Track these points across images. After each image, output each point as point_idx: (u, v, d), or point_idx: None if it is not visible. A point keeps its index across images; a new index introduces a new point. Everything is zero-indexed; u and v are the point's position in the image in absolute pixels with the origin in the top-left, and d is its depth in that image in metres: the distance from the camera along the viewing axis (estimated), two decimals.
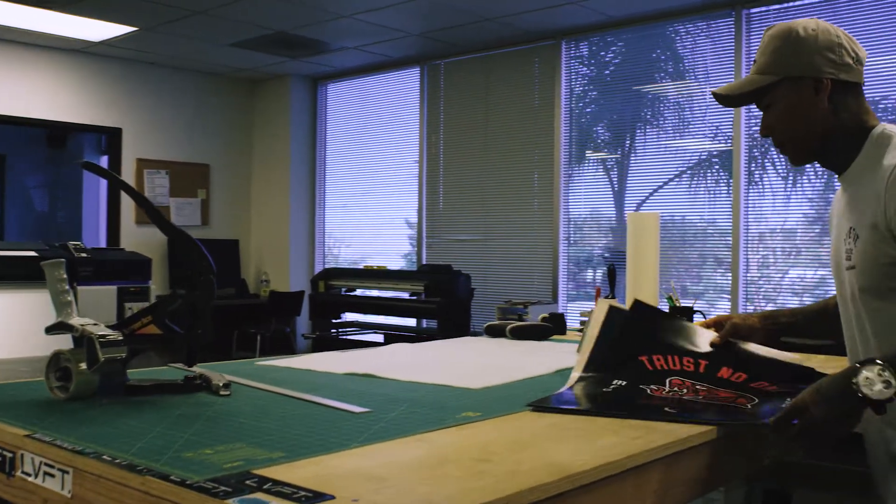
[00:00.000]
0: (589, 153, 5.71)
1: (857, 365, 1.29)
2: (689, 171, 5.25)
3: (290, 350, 7.06)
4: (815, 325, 1.87)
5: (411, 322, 6.35)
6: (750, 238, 4.93)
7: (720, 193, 5.09)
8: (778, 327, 1.85)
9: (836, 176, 1.61)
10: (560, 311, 5.60)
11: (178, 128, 7.16)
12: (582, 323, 3.19)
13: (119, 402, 1.42)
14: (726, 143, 5.05)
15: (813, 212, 4.79)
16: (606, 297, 3.13)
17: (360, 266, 6.85)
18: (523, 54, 5.94)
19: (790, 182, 4.81)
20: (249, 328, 6.76)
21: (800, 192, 4.81)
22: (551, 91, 5.76)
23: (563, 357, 2.16)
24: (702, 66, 5.14)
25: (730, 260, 4.97)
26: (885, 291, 1.45)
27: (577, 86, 5.74)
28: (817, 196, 4.77)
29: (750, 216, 4.92)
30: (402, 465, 1.05)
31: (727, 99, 1.62)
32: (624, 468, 1.09)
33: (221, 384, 1.52)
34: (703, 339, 1.79)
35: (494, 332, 2.70)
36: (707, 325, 1.88)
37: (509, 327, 2.62)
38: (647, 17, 5.27)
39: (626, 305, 2.99)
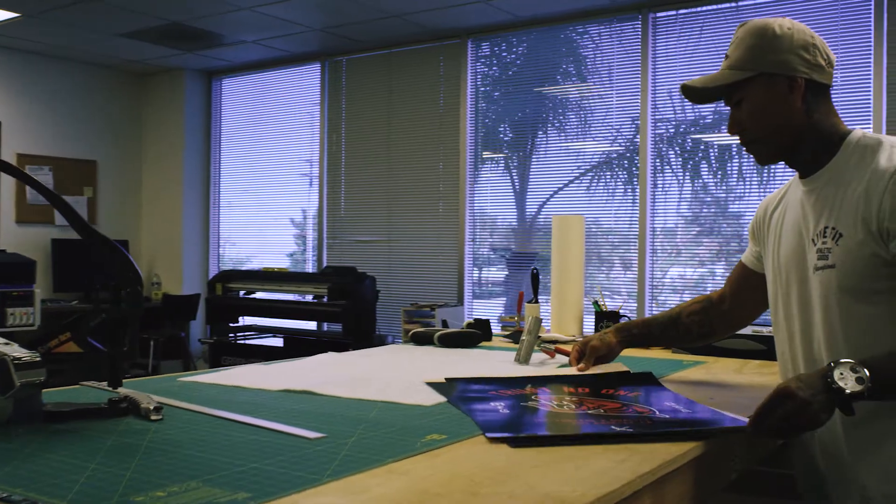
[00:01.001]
0: (492, 154, 5.68)
1: (832, 363, 1.30)
2: (591, 172, 5.28)
3: (186, 356, 6.77)
4: (666, 335, 1.96)
5: (313, 325, 6.19)
6: (656, 238, 4.99)
7: (622, 194, 5.14)
8: (632, 338, 1.96)
9: (800, 177, 1.60)
10: (466, 313, 5.55)
11: (62, 121, 6.75)
12: (505, 328, 3.13)
13: (37, 431, 1.25)
14: (628, 144, 5.10)
15: (711, 212, 4.89)
16: (530, 302, 3.09)
17: (257, 267, 6.63)
18: (428, 52, 5.85)
19: (691, 182, 4.89)
20: (142, 334, 6.44)
21: (700, 192, 4.89)
22: (457, 90, 5.70)
23: (501, 367, 2.08)
24: (607, 69, 5.18)
25: (636, 260, 5.02)
26: (868, 293, 1.43)
27: (483, 85, 5.70)
28: (712, 198, 4.87)
29: (655, 216, 4.98)
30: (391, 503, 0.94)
31: (698, 93, 1.60)
32: (623, 496, 1.01)
33: (151, 407, 1.37)
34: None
35: (421, 339, 2.61)
36: (575, 349, 1.97)
37: (438, 335, 2.53)
38: (554, 19, 5.27)
39: (552, 310, 2.95)
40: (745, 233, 4.77)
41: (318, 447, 1.18)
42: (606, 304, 2.89)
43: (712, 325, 1.88)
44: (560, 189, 5.43)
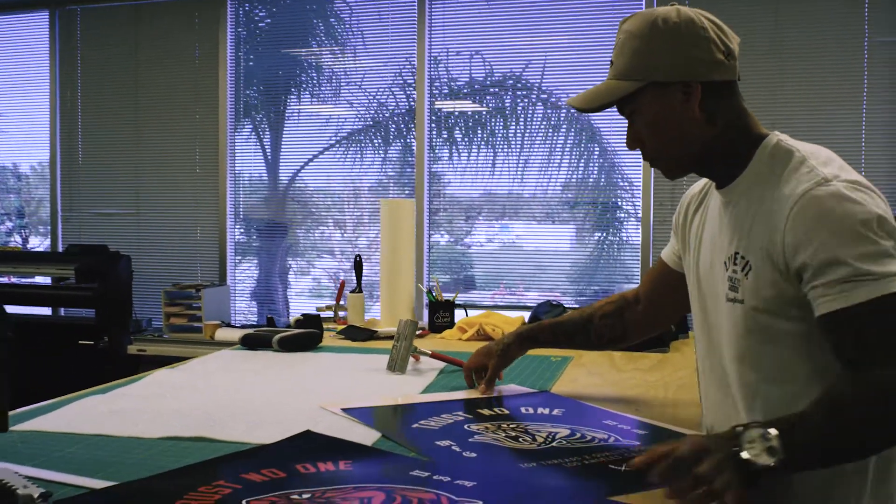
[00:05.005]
0: (252, 118, 5.29)
1: (741, 427, 1.07)
2: (347, 140, 5.08)
3: None
4: (574, 342, 1.79)
5: (47, 311, 5.46)
6: (433, 209, 4.92)
7: (398, 163, 5.01)
8: (537, 345, 1.79)
9: (716, 188, 1.39)
10: (231, 292, 5.18)
11: None
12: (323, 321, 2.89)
13: None
14: (402, 112, 4.96)
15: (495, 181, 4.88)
16: (353, 292, 2.87)
17: None
18: (182, 7, 5.30)
19: (471, 153, 4.85)
20: None
21: (483, 165, 4.86)
22: (215, 51, 5.22)
23: (382, 379, 1.87)
24: (380, 29, 4.98)
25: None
26: (777, 333, 1.25)
27: (244, 46, 5.28)
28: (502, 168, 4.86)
29: (432, 188, 4.90)
30: None
31: (586, 109, 1.37)
32: None
33: (36, 496, 1.02)
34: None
35: (254, 342, 2.31)
36: (470, 369, 1.79)
37: (278, 338, 2.25)
38: None
39: (382, 300, 2.75)
40: (528, 204, 4.84)
41: None
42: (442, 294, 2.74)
43: (626, 328, 1.71)
44: (318, 154, 5.17)
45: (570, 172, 4.73)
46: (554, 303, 2.70)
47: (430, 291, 2.74)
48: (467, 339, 2.50)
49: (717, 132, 1.31)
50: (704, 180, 1.50)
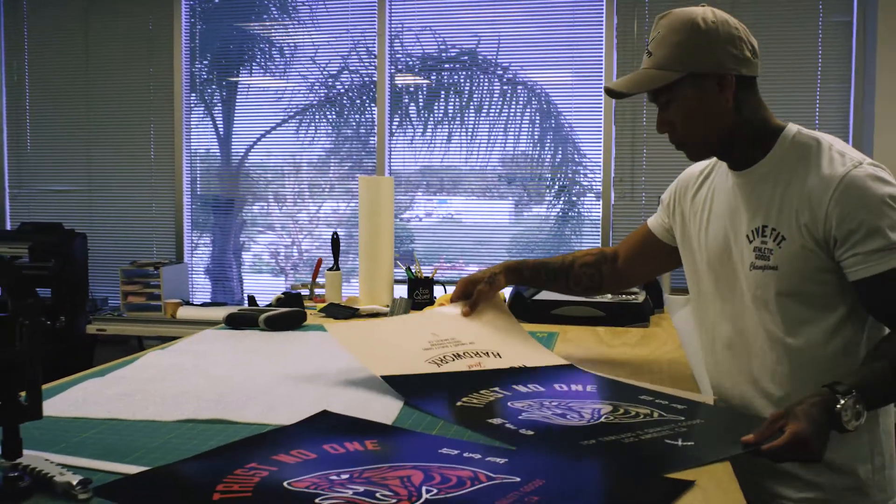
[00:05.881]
0: (205, 94, 5.20)
1: (835, 394, 1.27)
2: (301, 115, 5.03)
3: None
4: (554, 281, 1.93)
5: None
6: (396, 183, 4.91)
7: (355, 138, 4.98)
8: (521, 280, 1.94)
9: (726, 169, 1.59)
10: (189, 270, 5.11)
11: None
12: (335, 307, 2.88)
13: None
14: (361, 85, 4.93)
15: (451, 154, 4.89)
16: (331, 270, 2.86)
17: None
18: None
19: (429, 127, 4.84)
20: None
21: (440, 136, 4.85)
22: (169, 24, 5.11)
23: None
24: (338, 7, 4.93)
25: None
26: (808, 295, 1.47)
27: (199, 19, 5.17)
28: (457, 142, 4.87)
29: (393, 161, 4.89)
30: None
31: (620, 95, 1.53)
32: None
33: (74, 483, 1.01)
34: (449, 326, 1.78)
35: (239, 322, 2.29)
36: (458, 295, 1.89)
37: (264, 317, 2.23)
38: None
39: (361, 279, 2.75)
40: (467, 178, 4.85)
41: None
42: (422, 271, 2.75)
43: (602, 280, 1.90)
44: (271, 129, 5.11)
45: (515, 147, 4.76)
46: None
47: (408, 268, 2.74)
48: None
49: (741, 120, 1.50)
50: (704, 163, 1.69)
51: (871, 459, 1.50)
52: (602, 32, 4.50)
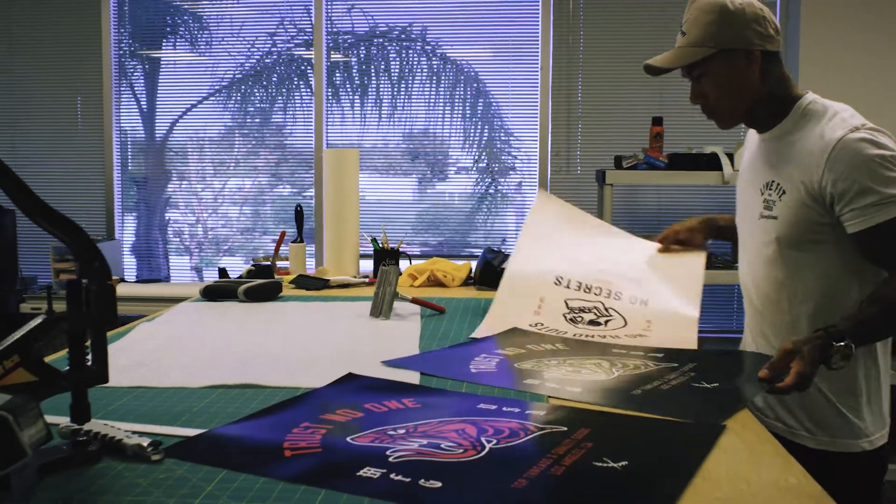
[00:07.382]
0: (132, 68, 5.06)
1: (830, 338, 1.45)
2: (228, 89, 4.97)
3: None
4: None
5: None
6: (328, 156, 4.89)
7: (290, 111, 4.93)
8: (718, 231, 2.11)
9: (756, 133, 1.80)
10: (121, 247, 5.01)
11: None
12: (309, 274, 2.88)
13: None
14: (296, 57, 4.89)
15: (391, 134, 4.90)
16: (295, 242, 2.87)
17: None
18: None
19: (366, 101, 4.85)
20: None
21: (376, 111, 4.85)
22: None
23: (374, 322, 1.91)
24: None
25: (311, 182, 4.89)
26: (804, 243, 1.65)
27: None
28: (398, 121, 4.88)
29: (330, 135, 4.87)
30: None
31: (659, 70, 1.71)
32: None
33: (145, 444, 1.03)
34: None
35: (215, 294, 2.29)
36: (677, 234, 2.10)
37: (244, 288, 2.24)
38: None
39: (328, 250, 2.76)
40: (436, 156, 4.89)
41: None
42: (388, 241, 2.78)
43: None
44: (197, 104, 5.02)
45: (429, 124, 4.81)
46: (495, 249, 2.80)
47: (374, 240, 2.77)
48: (419, 286, 2.57)
49: (766, 90, 1.69)
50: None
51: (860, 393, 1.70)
52: (538, 8, 4.57)
